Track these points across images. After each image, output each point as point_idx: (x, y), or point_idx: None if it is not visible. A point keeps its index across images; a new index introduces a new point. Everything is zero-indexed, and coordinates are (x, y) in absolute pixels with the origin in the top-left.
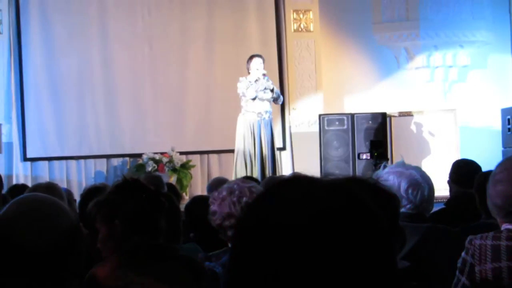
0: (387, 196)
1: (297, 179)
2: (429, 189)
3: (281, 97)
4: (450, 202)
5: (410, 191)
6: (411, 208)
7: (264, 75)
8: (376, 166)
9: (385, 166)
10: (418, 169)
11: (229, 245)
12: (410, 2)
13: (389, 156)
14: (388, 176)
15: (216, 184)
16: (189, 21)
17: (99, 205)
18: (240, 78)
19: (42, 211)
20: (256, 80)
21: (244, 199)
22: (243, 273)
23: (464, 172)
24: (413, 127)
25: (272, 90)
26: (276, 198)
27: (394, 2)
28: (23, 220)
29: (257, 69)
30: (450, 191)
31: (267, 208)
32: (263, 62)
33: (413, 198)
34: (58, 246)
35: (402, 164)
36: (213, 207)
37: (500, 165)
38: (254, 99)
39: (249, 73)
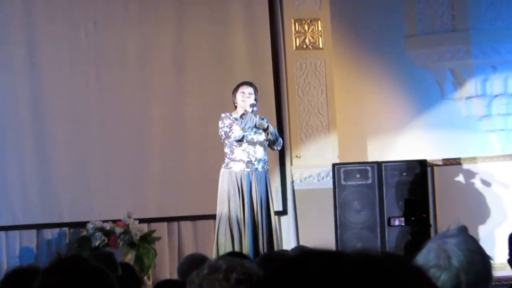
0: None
1: (320, 255)
2: (479, 275)
3: (280, 139)
4: None
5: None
6: None
7: (252, 105)
8: (413, 235)
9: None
10: (474, 245)
11: None
12: (457, 6)
13: (431, 220)
14: (428, 252)
15: (191, 263)
16: (151, 37)
17: None
18: (222, 115)
19: None
20: (243, 115)
21: (234, 275)
22: None
23: None
24: (463, 179)
25: (266, 130)
26: (295, 280)
27: (434, 7)
28: None
29: (244, 101)
30: None
31: None
32: (255, 93)
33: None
34: None
35: (457, 233)
36: None
37: None
38: (240, 141)
39: (235, 107)
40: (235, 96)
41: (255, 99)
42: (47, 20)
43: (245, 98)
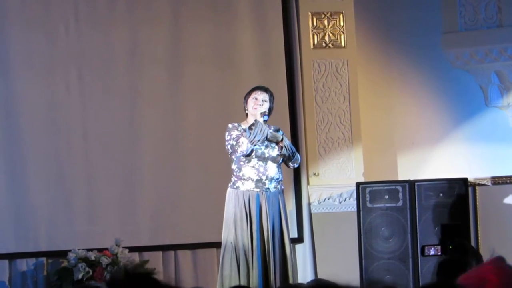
0: None
1: None
2: None
3: (298, 155)
4: None
5: None
6: None
7: (263, 114)
8: (448, 267)
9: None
10: None
11: None
12: None
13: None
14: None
15: None
16: (142, 37)
17: None
18: (229, 125)
19: None
20: (252, 126)
21: None
22: None
23: None
24: (511, 201)
25: (279, 143)
26: None
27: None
28: None
29: (255, 108)
30: None
31: None
32: (270, 100)
33: None
34: None
35: (493, 262)
36: None
37: None
38: (248, 156)
39: (246, 115)
40: (246, 102)
41: (270, 108)
42: (19, 13)
43: (257, 105)
